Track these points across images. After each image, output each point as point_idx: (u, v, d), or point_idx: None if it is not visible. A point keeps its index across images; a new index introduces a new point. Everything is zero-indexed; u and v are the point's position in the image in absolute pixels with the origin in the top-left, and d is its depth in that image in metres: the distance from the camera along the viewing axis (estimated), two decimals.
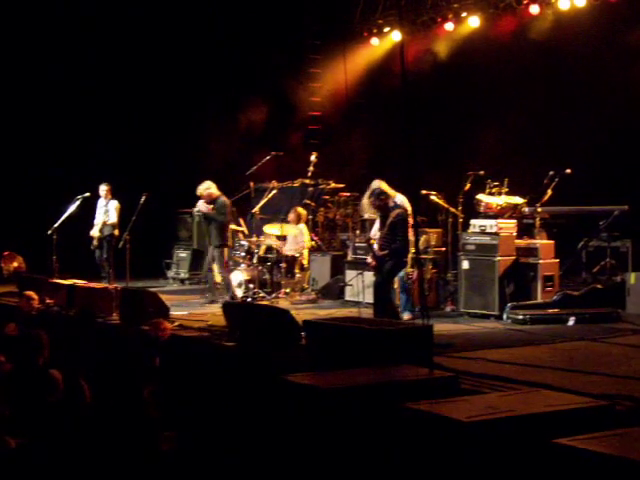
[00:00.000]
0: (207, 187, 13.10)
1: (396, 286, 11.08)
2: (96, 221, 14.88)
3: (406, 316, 10.97)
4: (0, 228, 15.18)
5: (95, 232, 14.85)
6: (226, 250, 13.02)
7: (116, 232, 14.57)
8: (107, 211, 14.81)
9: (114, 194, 14.93)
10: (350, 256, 13.28)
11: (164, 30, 16.25)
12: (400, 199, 11.07)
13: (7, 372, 6.87)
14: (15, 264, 14.89)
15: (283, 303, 12.41)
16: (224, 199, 13.12)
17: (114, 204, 14.80)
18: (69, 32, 15.83)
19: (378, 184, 11.05)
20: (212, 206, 13.01)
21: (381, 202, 10.36)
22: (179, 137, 16.51)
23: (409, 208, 10.67)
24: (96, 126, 16.30)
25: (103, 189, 14.84)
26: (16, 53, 15.81)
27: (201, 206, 13.12)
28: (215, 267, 13.04)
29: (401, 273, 10.85)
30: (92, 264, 14.85)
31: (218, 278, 13.17)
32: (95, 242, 14.86)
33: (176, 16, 16.33)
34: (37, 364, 6.92)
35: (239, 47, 16.65)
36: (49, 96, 15.89)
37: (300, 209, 13.93)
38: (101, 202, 14.91)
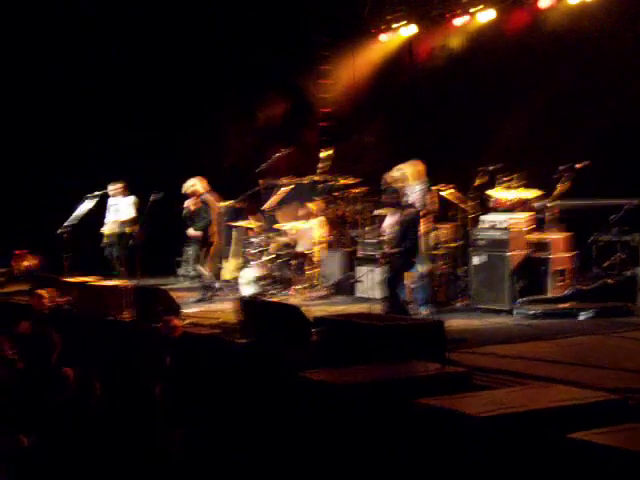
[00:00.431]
0: (192, 184, 13.14)
1: (407, 282, 11.06)
2: (107, 219, 14.91)
3: (424, 311, 10.96)
4: (12, 227, 15.21)
5: (106, 230, 14.88)
6: (205, 249, 13.07)
7: (129, 229, 14.54)
8: (118, 210, 14.81)
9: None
10: (360, 252, 13.26)
11: (166, 29, 16.23)
12: (417, 190, 11.09)
13: (19, 370, 6.90)
14: (25, 263, 14.95)
15: (294, 300, 12.42)
16: (207, 197, 13.10)
17: (131, 200, 14.75)
18: (69, 32, 15.83)
19: (403, 171, 11.03)
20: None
21: (393, 200, 10.38)
22: (191, 135, 16.50)
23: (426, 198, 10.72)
24: (105, 124, 16.31)
25: (114, 188, 14.82)
26: (16, 53, 15.81)
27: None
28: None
29: (416, 267, 10.84)
30: (103, 262, 14.87)
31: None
32: (105, 240, 14.88)
33: (179, 15, 16.31)
34: (49, 363, 6.94)
35: (247, 45, 16.63)
36: (58, 95, 15.91)
37: (311, 205, 13.92)
38: (111, 200, 14.92)
